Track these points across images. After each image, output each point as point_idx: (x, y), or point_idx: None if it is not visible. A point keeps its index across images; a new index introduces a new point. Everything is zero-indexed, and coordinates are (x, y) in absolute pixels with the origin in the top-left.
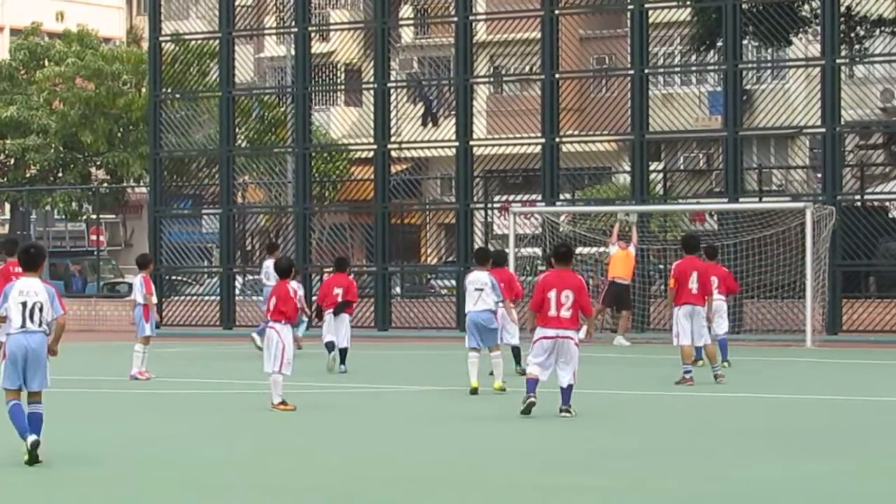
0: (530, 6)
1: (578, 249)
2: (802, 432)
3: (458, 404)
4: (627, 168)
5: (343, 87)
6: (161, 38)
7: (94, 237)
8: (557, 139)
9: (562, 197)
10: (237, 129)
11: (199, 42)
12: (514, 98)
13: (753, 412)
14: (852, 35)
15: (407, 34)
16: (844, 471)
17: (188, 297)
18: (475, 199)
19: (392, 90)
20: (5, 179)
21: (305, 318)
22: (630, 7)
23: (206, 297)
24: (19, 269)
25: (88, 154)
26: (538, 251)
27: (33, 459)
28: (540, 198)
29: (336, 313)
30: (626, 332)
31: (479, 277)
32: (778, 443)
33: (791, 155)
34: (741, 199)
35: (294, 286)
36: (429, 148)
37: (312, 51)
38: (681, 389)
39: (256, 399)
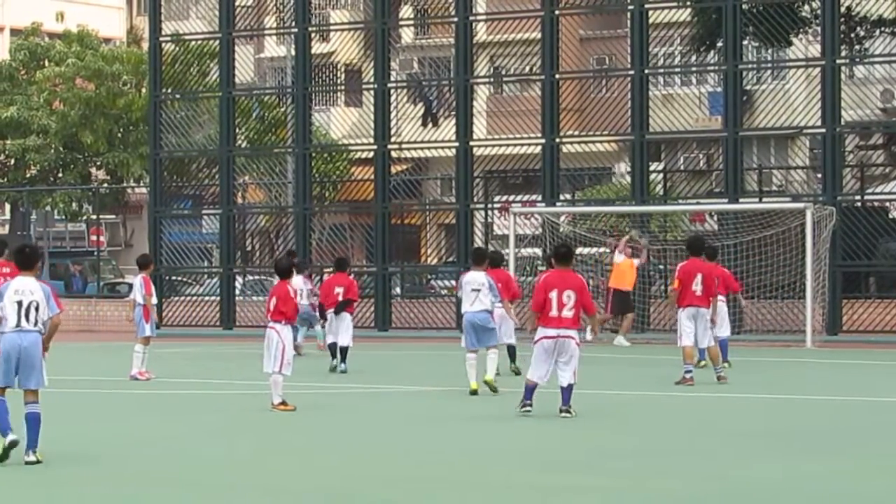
0: (530, 6)
1: (579, 250)
2: (802, 432)
3: (458, 404)
4: (628, 167)
5: (343, 87)
6: (161, 39)
7: (94, 237)
8: (557, 139)
9: (562, 197)
10: (237, 130)
11: (200, 42)
12: (514, 98)
13: (753, 412)
14: (852, 35)
15: (407, 34)
16: (844, 471)
17: (188, 298)
18: (475, 199)
19: (392, 90)
20: (5, 180)
21: (310, 324)
22: (630, 7)
23: (207, 298)
24: (7, 270)
25: (88, 154)
26: (538, 251)
27: (3, 458)
28: (540, 198)
29: (337, 312)
30: (627, 332)
31: (475, 278)
32: (778, 443)
33: (791, 155)
34: (741, 200)
35: (298, 285)
36: (429, 148)
37: (312, 51)
38: (681, 389)
39: (256, 399)
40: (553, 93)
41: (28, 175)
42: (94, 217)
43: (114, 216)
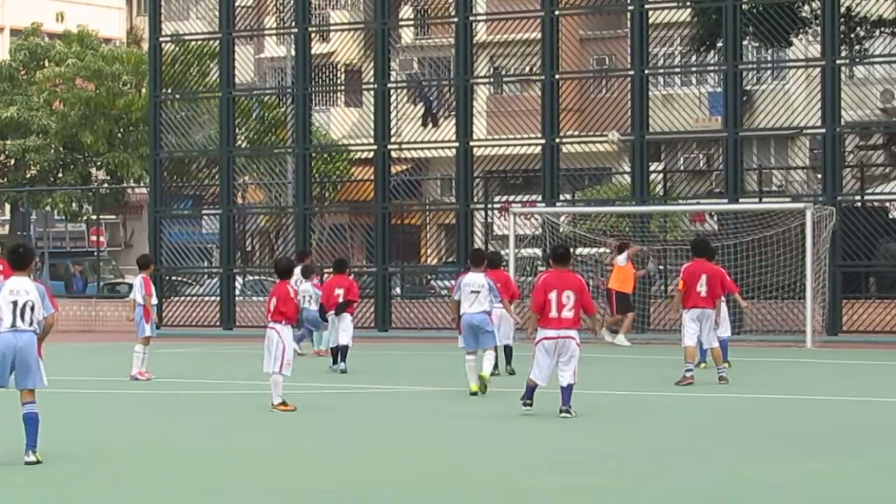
0: (530, 7)
1: (579, 250)
2: (802, 433)
3: (458, 404)
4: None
5: (343, 87)
6: (161, 39)
7: (94, 238)
8: (557, 140)
9: (562, 197)
10: (237, 130)
11: (200, 42)
12: (514, 98)
13: (753, 413)
14: (852, 36)
15: (407, 35)
16: (845, 471)
17: (188, 298)
18: (475, 199)
19: (392, 91)
20: (5, 180)
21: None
22: (630, 8)
23: (207, 298)
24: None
25: (88, 155)
26: (538, 252)
27: None
28: (540, 198)
29: (338, 313)
30: (627, 332)
31: (475, 279)
32: (778, 443)
33: (791, 155)
34: (741, 200)
35: (308, 291)
36: (429, 148)
37: (312, 51)
38: (681, 390)
39: (256, 399)
40: (553, 93)
41: (28, 175)
42: (94, 217)
43: (114, 216)
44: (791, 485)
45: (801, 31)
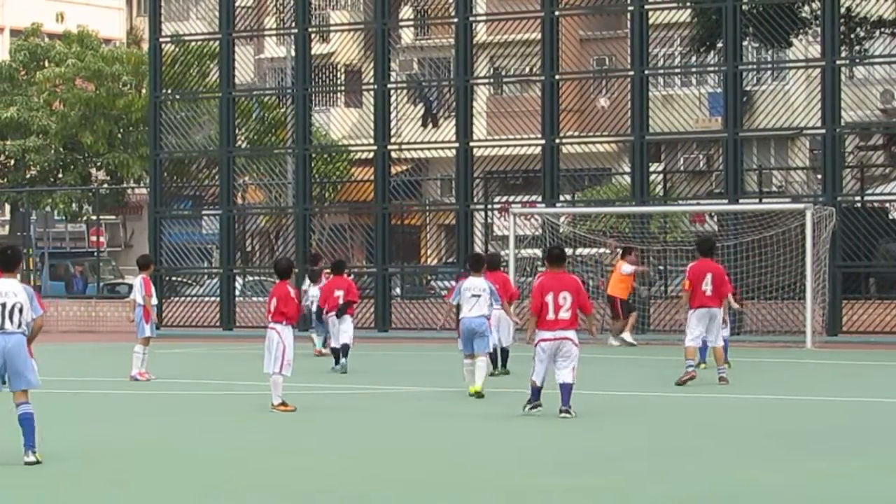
0: (530, 7)
1: (579, 250)
2: (803, 433)
3: (458, 405)
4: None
5: (343, 87)
6: (161, 40)
7: (94, 238)
8: (557, 140)
9: (562, 198)
10: (237, 130)
11: (200, 43)
12: (514, 99)
13: (753, 413)
14: (852, 36)
15: (407, 35)
16: (845, 472)
17: (188, 298)
18: (475, 200)
19: (392, 91)
20: (5, 180)
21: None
22: (630, 8)
23: (207, 298)
24: None
25: (88, 155)
26: (538, 252)
27: None
28: (540, 199)
29: (339, 315)
30: (631, 330)
31: (476, 284)
32: (778, 444)
33: (791, 156)
34: (741, 201)
35: (315, 294)
36: (429, 149)
37: (312, 52)
38: (680, 390)
39: (256, 400)
40: (553, 93)
41: (28, 176)
42: (94, 218)
43: (114, 217)
44: (791, 485)
45: (801, 31)
